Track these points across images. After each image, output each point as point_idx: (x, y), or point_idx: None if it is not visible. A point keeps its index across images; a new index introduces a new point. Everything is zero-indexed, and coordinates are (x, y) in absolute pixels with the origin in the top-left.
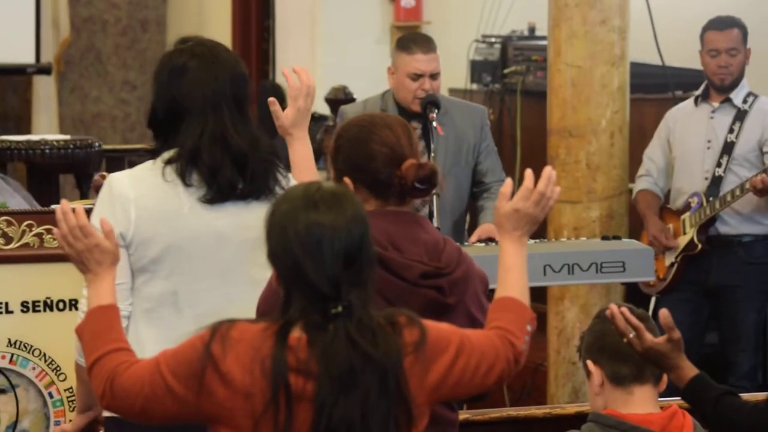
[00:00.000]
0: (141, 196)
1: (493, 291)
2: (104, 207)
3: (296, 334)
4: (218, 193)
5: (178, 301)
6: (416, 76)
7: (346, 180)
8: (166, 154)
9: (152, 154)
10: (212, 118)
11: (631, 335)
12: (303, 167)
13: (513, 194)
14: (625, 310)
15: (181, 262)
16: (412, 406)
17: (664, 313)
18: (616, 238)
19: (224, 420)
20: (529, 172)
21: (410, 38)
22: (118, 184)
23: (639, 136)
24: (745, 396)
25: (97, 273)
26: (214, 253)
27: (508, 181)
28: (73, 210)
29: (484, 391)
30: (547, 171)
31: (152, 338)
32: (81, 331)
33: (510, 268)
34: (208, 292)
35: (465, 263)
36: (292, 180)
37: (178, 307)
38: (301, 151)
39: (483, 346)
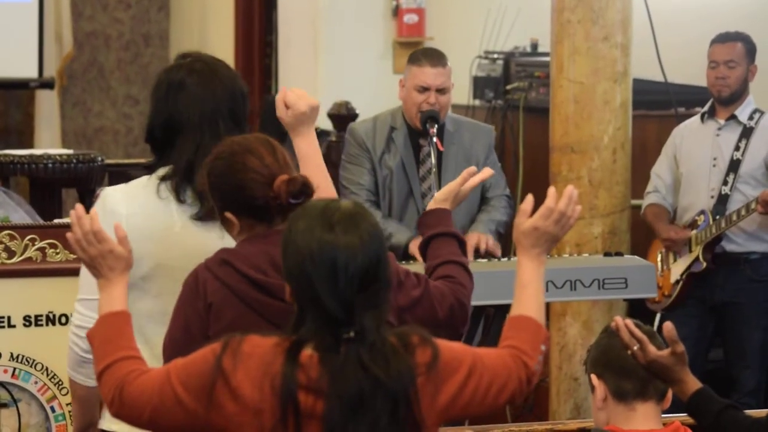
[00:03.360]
0: (132, 214)
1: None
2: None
3: (308, 351)
4: (210, 210)
5: (167, 320)
6: (422, 89)
7: (228, 215)
8: (162, 171)
9: (148, 169)
10: (208, 134)
11: (635, 347)
12: (307, 163)
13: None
14: (629, 322)
15: (171, 281)
16: (422, 429)
17: (668, 326)
18: (619, 254)
19: None
20: (552, 191)
21: (421, 52)
22: (111, 199)
23: (641, 152)
24: (749, 413)
25: (109, 278)
26: None
27: (529, 197)
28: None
29: (494, 411)
30: (569, 190)
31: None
32: (92, 336)
33: (526, 285)
34: None
35: None
36: None
37: (167, 326)
38: (303, 149)
39: (495, 366)
